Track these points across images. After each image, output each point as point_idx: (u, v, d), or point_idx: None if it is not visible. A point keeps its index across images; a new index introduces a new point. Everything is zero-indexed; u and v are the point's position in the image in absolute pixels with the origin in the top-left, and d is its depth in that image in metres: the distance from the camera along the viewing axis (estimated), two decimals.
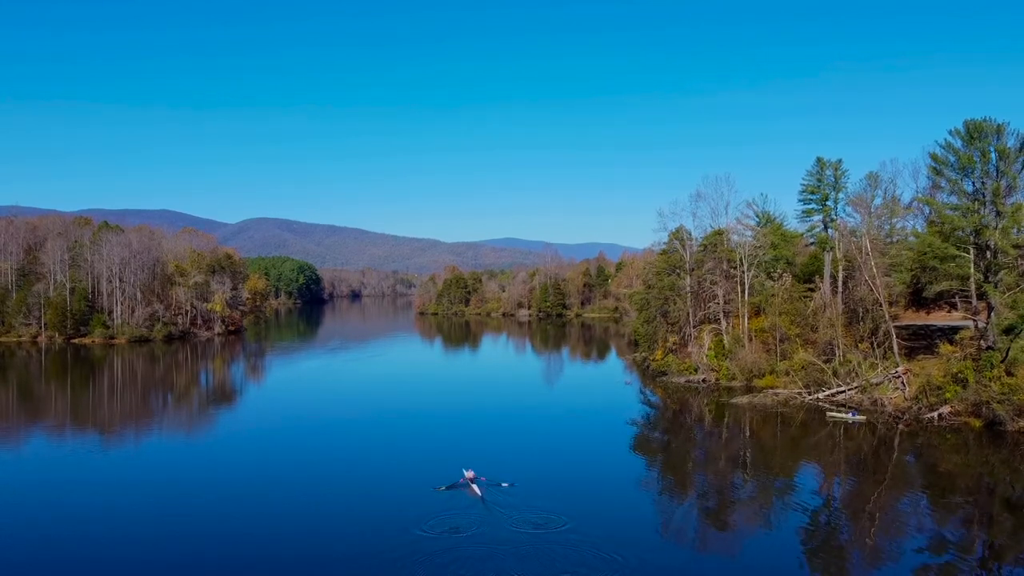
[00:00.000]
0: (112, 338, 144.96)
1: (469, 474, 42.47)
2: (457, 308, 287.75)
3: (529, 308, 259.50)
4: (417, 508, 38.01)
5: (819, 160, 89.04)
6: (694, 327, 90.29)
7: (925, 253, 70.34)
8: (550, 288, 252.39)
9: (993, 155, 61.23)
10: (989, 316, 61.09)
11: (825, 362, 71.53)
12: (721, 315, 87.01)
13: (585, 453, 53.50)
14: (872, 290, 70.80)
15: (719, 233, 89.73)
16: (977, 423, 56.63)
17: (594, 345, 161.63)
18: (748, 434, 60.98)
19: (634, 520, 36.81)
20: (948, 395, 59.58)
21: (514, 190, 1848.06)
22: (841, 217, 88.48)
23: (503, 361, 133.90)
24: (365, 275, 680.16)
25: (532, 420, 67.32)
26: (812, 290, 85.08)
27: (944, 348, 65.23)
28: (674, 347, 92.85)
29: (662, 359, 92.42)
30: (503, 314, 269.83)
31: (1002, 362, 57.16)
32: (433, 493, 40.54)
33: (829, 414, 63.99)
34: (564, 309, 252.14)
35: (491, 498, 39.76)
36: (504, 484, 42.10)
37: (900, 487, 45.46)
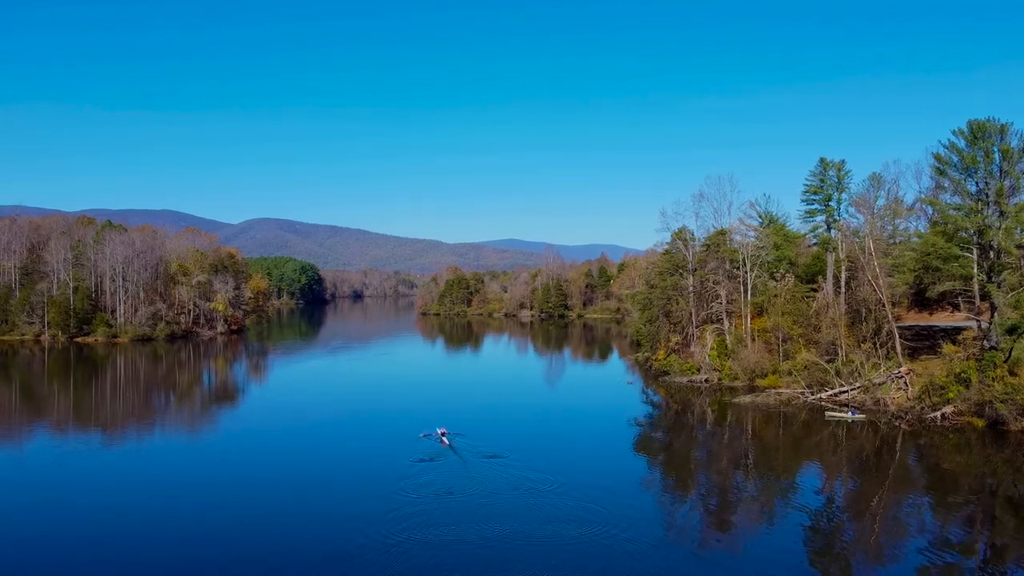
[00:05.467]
0: (115, 337, 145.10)
1: (441, 430, 54.54)
2: (459, 309, 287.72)
3: (531, 309, 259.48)
4: (415, 507, 38.14)
5: (822, 161, 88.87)
6: (696, 327, 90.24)
7: (928, 253, 70.34)
8: (552, 289, 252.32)
9: (996, 155, 61.16)
10: (992, 316, 61.00)
11: (828, 362, 71.46)
12: (724, 315, 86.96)
13: (588, 453, 53.42)
14: (875, 290, 70.70)
15: (722, 233, 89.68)
16: (980, 423, 56.54)
17: (596, 345, 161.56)
18: (750, 434, 60.94)
19: (636, 520, 36.74)
20: (951, 395, 59.49)
21: (516, 191, 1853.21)
22: (844, 218, 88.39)
23: (505, 361, 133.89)
24: (367, 275, 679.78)
25: (534, 420, 67.25)
26: (815, 290, 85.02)
27: (947, 348, 65.09)
28: (676, 347, 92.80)
29: (664, 359, 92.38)
30: (505, 315, 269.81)
31: (1005, 362, 57.08)
32: (432, 495, 40.74)
33: (829, 413, 63.95)
34: (566, 310, 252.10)
35: (496, 501, 39.85)
36: (461, 435, 54.20)
37: (903, 487, 45.40)
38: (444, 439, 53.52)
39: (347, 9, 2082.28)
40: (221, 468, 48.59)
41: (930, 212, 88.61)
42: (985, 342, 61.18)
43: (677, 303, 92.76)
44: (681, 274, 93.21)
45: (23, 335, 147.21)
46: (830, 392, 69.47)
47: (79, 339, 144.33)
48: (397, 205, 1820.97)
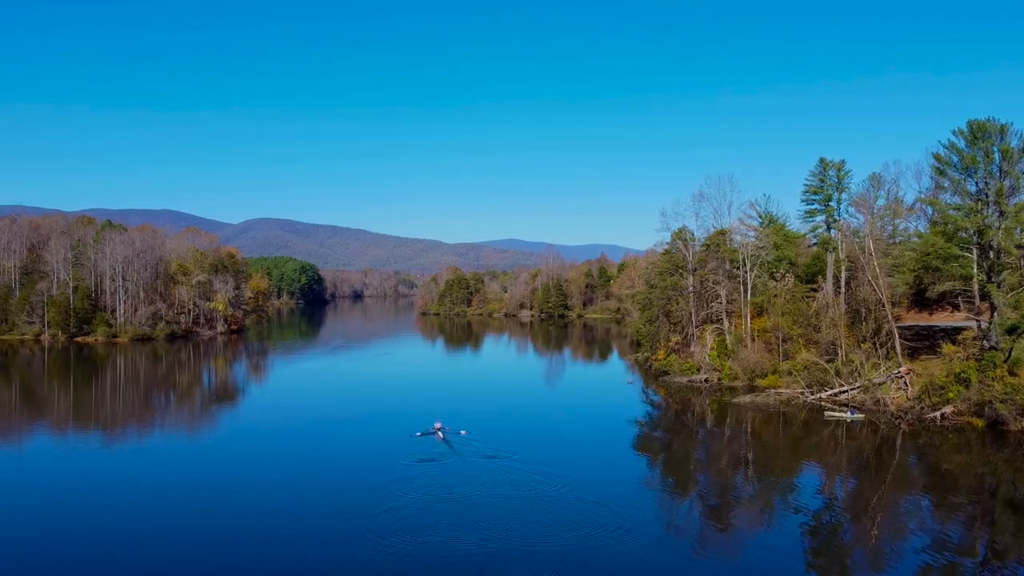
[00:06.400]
0: (115, 337, 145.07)
1: (437, 424, 55.19)
2: (459, 309, 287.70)
3: (531, 309, 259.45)
4: (414, 508, 38.14)
5: (822, 160, 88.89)
6: (696, 327, 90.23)
7: (928, 253, 70.33)
8: (552, 289, 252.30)
9: (996, 155, 61.16)
10: (992, 316, 61.00)
11: (828, 362, 71.45)
12: (723, 315, 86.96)
13: (588, 453, 53.39)
14: (875, 290, 70.71)
15: (722, 233, 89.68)
16: (979, 423, 56.55)
17: (596, 346, 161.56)
18: (750, 434, 60.93)
19: (636, 520, 36.73)
20: (951, 395, 59.49)
21: (516, 191, 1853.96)
22: (844, 218, 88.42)
23: (505, 361, 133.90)
24: (367, 275, 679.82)
25: (534, 420, 67.17)
26: (814, 290, 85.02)
27: (947, 348, 65.09)
28: (676, 347, 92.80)
29: (664, 359, 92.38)
30: (505, 315, 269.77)
31: (1005, 362, 57.08)
32: (431, 496, 40.72)
33: (828, 413, 63.96)
34: (566, 310, 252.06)
35: (497, 500, 39.89)
36: (462, 432, 54.43)
37: (902, 487, 45.39)
38: (439, 433, 53.79)
39: (347, 9, 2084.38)
40: (221, 468, 48.57)
41: (930, 212, 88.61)
42: (985, 342, 61.18)
43: (677, 303, 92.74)
44: (681, 274, 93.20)
45: (23, 335, 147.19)
46: (830, 392, 69.47)
47: (79, 339, 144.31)
48: (397, 205, 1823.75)
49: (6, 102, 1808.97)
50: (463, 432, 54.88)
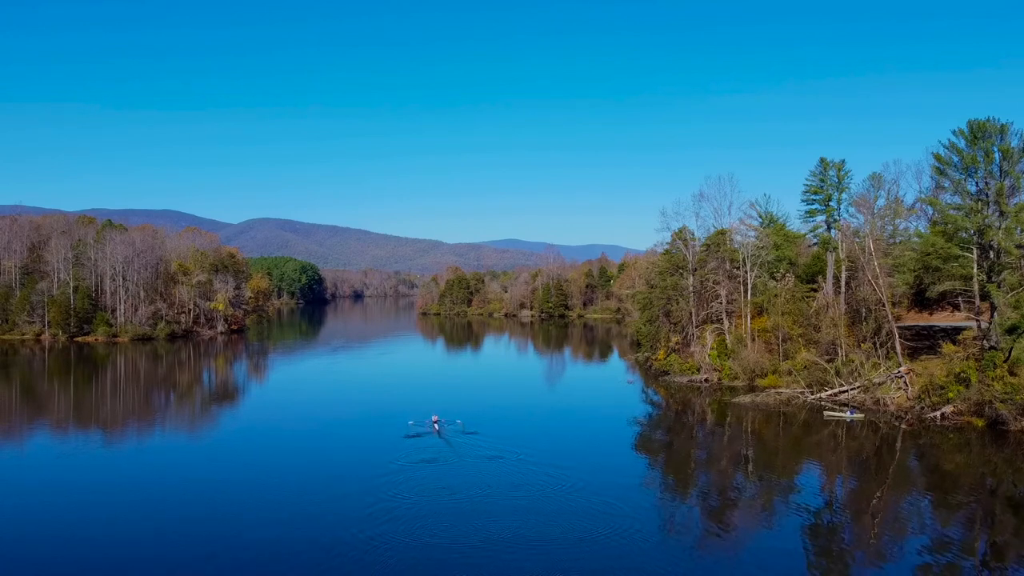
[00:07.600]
0: (115, 336, 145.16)
1: (434, 418, 55.81)
2: (459, 309, 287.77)
3: (531, 309, 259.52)
4: (415, 507, 38.16)
5: (822, 160, 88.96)
6: (696, 327, 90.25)
7: (928, 253, 70.34)
8: (552, 289, 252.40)
9: (996, 155, 61.20)
10: (992, 316, 61.01)
11: (828, 362, 71.47)
12: (724, 315, 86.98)
13: (588, 452, 53.40)
14: (875, 290, 70.72)
15: (722, 233, 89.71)
16: (980, 422, 56.58)
17: (596, 346, 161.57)
18: (750, 434, 60.94)
19: (636, 520, 36.76)
20: (951, 395, 59.53)
21: (516, 191, 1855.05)
22: (844, 218, 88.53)
23: (506, 361, 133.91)
24: (367, 275, 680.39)
25: (535, 420, 67.18)
26: (815, 290, 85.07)
27: (947, 348, 65.11)
28: (676, 347, 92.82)
29: (664, 359, 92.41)
30: (505, 315, 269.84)
31: (1005, 362, 57.07)
32: (432, 495, 40.73)
33: (827, 413, 63.98)
34: (566, 310, 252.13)
35: (498, 499, 39.90)
36: (458, 421, 56.15)
37: (902, 487, 45.42)
38: (436, 426, 54.34)
39: (347, 9, 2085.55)
40: (221, 467, 48.59)
41: (930, 212, 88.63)
42: (985, 342, 61.19)
43: (677, 303, 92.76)
44: (681, 274, 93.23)
45: (23, 334, 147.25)
46: (830, 392, 69.49)
47: (79, 338, 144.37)
48: (397, 205, 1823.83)
49: (6, 102, 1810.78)
50: (459, 422, 55.75)
